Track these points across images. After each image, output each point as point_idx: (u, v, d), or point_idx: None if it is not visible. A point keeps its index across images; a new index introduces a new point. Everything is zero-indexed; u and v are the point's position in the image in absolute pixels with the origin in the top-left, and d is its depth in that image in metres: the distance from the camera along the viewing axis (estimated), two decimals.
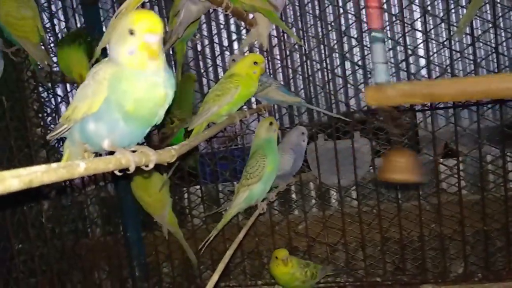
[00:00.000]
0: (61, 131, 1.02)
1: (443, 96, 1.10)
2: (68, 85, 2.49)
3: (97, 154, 1.06)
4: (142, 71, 0.88)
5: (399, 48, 2.42)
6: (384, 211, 2.15)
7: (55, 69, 2.30)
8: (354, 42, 2.56)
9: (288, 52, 2.42)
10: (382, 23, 1.20)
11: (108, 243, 2.39)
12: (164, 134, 2.00)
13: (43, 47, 2.12)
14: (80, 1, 2.35)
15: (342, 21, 2.62)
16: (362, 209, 2.16)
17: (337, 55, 2.67)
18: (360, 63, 2.32)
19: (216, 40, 2.74)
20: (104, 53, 1.38)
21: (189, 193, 2.34)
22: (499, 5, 2.20)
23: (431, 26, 2.33)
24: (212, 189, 2.40)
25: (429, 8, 2.20)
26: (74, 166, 0.74)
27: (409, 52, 2.15)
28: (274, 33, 2.34)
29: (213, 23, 2.61)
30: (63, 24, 2.46)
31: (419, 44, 2.27)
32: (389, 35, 2.63)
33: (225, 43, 2.69)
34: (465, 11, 2.03)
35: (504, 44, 2.48)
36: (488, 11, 2.33)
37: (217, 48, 2.63)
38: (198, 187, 2.36)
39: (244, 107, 2.41)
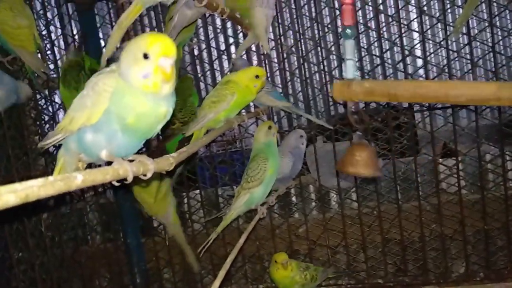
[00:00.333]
0: (55, 140, 1.01)
1: (402, 97, 1.14)
2: None
3: (90, 164, 1.05)
4: (156, 94, 0.88)
5: (396, 48, 2.42)
6: (384, 212, 2.15)
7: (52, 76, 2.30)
8: None
9: (285, 55, 2.41)
10: (354, 20, 1.23)
11: (108, 250, 2.38)
12: (164, 134, 1.99)
13: (39, 55, 2.11)
14: (75, 8, 2.34)
15: (339, 23, 2.62)
16: (362, 211, 2.16)
17: (334, 56, 2.67)
18: (357, 64, 2.31)
19: (213, 44, 2.74)
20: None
21: (188, 198, 2.33)
22: (495, 4, 2.21)
23: (428, 27, 2.32)
24: (211, 194, 2.40)
25: (425, 8, 2.20)
26: (71, 178, 0.73)
27: (406, 52, 2.15)
28: (271, 36, 2.34)
29: (210, 27, 2.61)
30: (59, 31, 2.47)
31: (416, 44, 2.26)
32: (385, 36, 2.63)
33: (222, 47, 2.69)
34: (461, 11, 2.03)
35: (501, 43, 2.49)
36: (484, 10, 2.33)
37: (214, 53, 2.63)
38: (197, 191, 2.35)
39: (243, 111, 2.41)
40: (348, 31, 1.22)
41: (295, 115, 2.41)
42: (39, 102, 2.39)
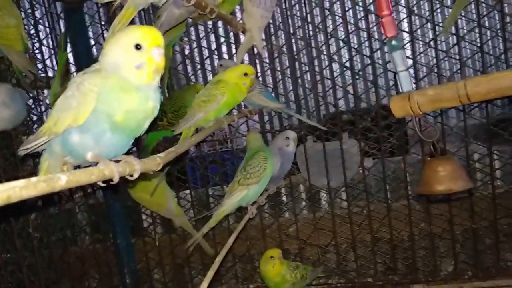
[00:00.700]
0: (38, 143, 0.98)
1: (475, 96, 1.04)
2: None
3: (76, 167, 1.03)
4: (148, 85, 0.90)
5: (386, 49, 2.42)
6: (374, 212, 2.16)
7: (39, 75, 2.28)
8: (341, 43, 2.56)
9: (276, 55, 2.42)
10: (396, 30, 1.18)
11: (98, 251, 2.37)
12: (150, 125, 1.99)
13: (27, 55, 2.09)
14: (64, 7, 2.32)
15: (329, 23, 2.63)
16: (352, 210, 2.17)
17: (325, 56, 2.67)
18: (348, 64, 2.32)
19: (204, 43, 2.73)
20: None
21: (179, 198, 2.32)
22: (483, 4, 2.22)
23: (417, 27, 2.34)
24: (202, 194, 2.39)
25: (414, 8, 2.21)
26: (55, 179, 0.72)
27: None
28: (262, 36, 2.33)
29: (201, 27, 2.60)
30: (47, 30, 2.44)
31: (406, 44, 2.27)
32: (376, 37, 2.64)
33: (213, 46, 2.68)
34: (450, 11, 2.04)
35: (489, 43, 2.51)
36: (473, 11, 2.35)
37: (205, 52, 2.62)
38: (188, 191, 2.34)
39: (234, 111, 2.41)
40: (394, 42, 1.18)
41: (285, 115, 2.41)
42: (27, 102, 2.36)
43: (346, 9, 2.24)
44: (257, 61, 2.43)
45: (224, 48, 2.79)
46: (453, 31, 2.05)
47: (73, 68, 2.31)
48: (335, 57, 2.44)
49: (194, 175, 2.52)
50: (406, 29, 2.19)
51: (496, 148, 2.10)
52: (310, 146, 2.21)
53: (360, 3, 2.29)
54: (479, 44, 2.05)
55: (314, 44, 2.58)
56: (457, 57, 2.10)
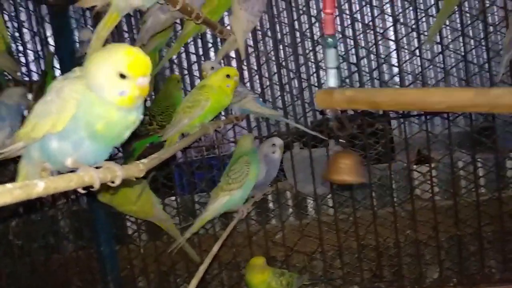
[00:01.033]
0: (14, 148, 0.96)
1: (383, 105, 1.14)
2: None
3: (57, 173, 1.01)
4: (130, 108, 0.88)
5: (372, 56, 2.45)
6: (360, 219, 2.16)
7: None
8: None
9: (263, 61, 2.42)
10: (334, 29, 1.24)
11: (81, 258, 2.32)
12: (138, 132, 1.96)
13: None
14: (48, 10, 2.29)
15: (316, 30, 2.65)
16: (338, 217, 2.17)
17: (311, 63, 2.69)
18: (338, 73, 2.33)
19: (192, 49, 2.72)
20: None
21: (164, 205, 2.29)
22: (467, 14, 2.27)
23: (402, 35, 2.37)
24: (188, 200, 2.37)
25: (400, 17, 2.24)
26: (32, 186, 0.70)
27: (382, 60, 2.18)
28: (251, 43, 2.34)
29: None
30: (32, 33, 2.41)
31: (391, 52, 2.30)
32: (362, 44, 2.67)
33: (201, 51, 2.67)
34: (434, 20, 2.07)
35: (473, 52, 2.56)
36: (457, 20, 2.39)
37: (193, 57, 2.61)
38: (173, 198, 2.32)
39: (221, 116, 2.40)
40: (329, 40, 1.22)
41: (273, 121, 2.41)
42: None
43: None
44: (244, 68, 2.43)
45: (212, 53, 2.78)
46: (438, 40, 2.07)
47: (57, 72, 2.28)
48: (322, 64, 2.45)
49: (181, 181, 2.50)
50: (392, 38, 2.22)
51: (480, 156, 2.13)
52: (296, 152, 2.21)
53: (347, 11, 2.31)
54: (463, 53, 2.08)
55: (301, 51, 2.60)
56: (442, 65, 2.12)
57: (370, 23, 2.18)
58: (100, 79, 0.86)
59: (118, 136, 0.94)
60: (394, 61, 2.26)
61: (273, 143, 1.97)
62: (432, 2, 2.45)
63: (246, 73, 2.47)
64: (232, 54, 2.31)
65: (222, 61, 2.18)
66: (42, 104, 0.91)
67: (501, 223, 2.03)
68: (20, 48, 2.37)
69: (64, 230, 2.40)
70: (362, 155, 2.17)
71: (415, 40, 2.17)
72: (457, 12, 2.13)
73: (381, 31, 2.34)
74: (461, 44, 2.11)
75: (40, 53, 2.39)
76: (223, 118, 2.43)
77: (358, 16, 2.22)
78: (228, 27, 1.98)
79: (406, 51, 2.41)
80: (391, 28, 2.21)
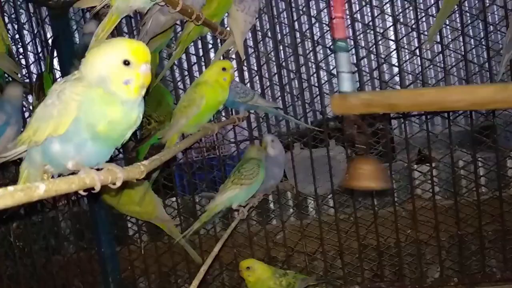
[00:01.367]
0: (16, 152, 0.96)
1: (402, 107, 1.12)
2: None
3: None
4: (135, 98, 0.90)
5: (372, 56, 2.45)
6: (361, 219, 2.16)
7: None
8: (328, 51, 2.58)
9: (263, 61, 2.42)
10: (346, 33, 1.22)
11: (82, 260, 2.32)
12: (141, 135, 1.96)
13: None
14: (48, 12, 2.29)
15: (316, 31, 2.65)
16: (339, 217, 2.16)
17: (312, 63, 2.68)
18: (334, 71, 2.33)
19: (192, 50, 2.72)
20: None
21: (165, 206, 2.29)
22: (467, 13, 2.26)
23: (403, 35, 2.37)
24: (189, 201, 2.37)
25: (400, 17, 2.24)
26: (33, 188, 0.70)
27: (382, 60, 2.18)
28: (251, 43, 2.34)
29: None
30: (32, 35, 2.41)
31: (391, 52, 2.30)
32: (362, 44, 2.66)
33: (201, 52, 2.67)
34: (434, 20, 2.07)
35: (473, 51, 2.55)
36: (457, 20, 2.39)
37: (193, 58, 2.61)
38: (174, 199, 2.32)
39: (223, 117, 2.40)
40: (340, 44, 1.21)
41: (273, 122, 2.41)
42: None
43: (333, 17, 2.25)
44: (245, 68, 2.43)
45: (211, 54, 2.78)
46: (438, 40, 2.07)
47: (58, 74, 2.28)
48: (322, 64, 2.45)
49: (181, 182, 2.50)
50: (392, 38, 2.22)
51: (480, 155, 2.12)
52: (297, 153, 2.21)
53: (347, 12, 2.31)
54: (463, 53, 2.08)
55: (301, 51, 2.59)
56: (442, 65, 2.12)
57: (370, 23, 2.18)
58: (103, 70, 0.87)
59: (120, 137, 0.94)
60: (394, 61, 2.26)
61: (271, 139, 1.99)
62: (432, 2, 2.44)
63: (246, 74, 2.47)
64: (232, 55, 2.31)
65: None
66: (43, 107, 0.91)
67: (502, 222, 2.03)
68: (21, 50, 2.37)
69: (65, 232, 2.40)
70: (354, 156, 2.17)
71: (415, 40, 2.17)
72: (457, 12, 2.13)
73: (381, 31, 2.33)
74: (461, 44, 2.11)
75: (41, 55, 2.39)
76: (223, 119, 2.44)
77: (358, 16, 2.22)
78: (227, 28, 1.98)
79: (406, 51, 2.40)
80: (391, 28, 2.21)
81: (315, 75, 2.34)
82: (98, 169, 0.90)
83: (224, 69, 1.64)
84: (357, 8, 2.39)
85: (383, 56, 2.24)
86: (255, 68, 2.36)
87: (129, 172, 1.00)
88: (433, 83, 2.45)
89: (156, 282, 2.35)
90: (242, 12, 1.83)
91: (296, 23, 2.39)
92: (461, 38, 2.08)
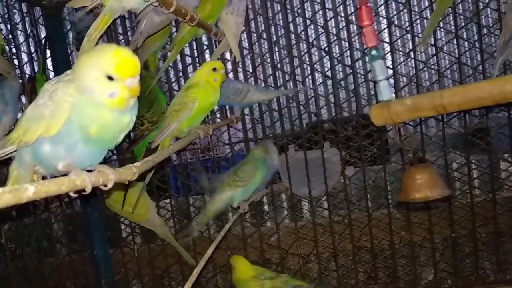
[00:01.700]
0: (4, 152, 0.94)
1: (451, 106, 1.05)
2: None
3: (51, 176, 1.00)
4: (122, 108, 0.87)
5: (366, 58, 2.45)
6: (355, 221, 2.16)
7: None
8: (323, 53, 2.58)
9: (258, 63, 2.41)
10: (377, 40, 1.20)
11: (74, 262, 2.30)
12: (134, 136, 1.95)
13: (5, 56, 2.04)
14: (42, 12, 2.27)
15: (311, 33, 2.65)
16: (333, 219, 2.16)
17: (307, 65, 2.68)
18: (329, 73, 2.34)
19: (187, 51, 2.71)
20: None
21: (158, 208, 2.28)
22: (461, 16, 2.27)
23: (397, 37, 2.37)
24: (182, 203, 2.36)
25: (394, 19, 2.24)
26: (22, 190, 0.70)
27: None
28: (246, 45, 2.33)
29: None
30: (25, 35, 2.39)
31: (386, 54, 2.30)
32: (357, 46, 2.67)
33: (195, 53, 2.66)
34: (427, 22, 2.08)
35: (467, 54, 2.57)
36: (451, 22, 2.40)
37: (187, 59, 2.60)
38: (168, 201, 2.31)
39: (217, 119, 2.39)
40: (374, 52, 1.19)
41: (268, 123, 2.41)
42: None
43: (328, 18, 2.26)
44: (240, 70, 2.43)
45: (207, 55, 2.77)
46: (432, 42, 2.08)
47: (51, 74, 2.26)
48: (317, 66, 2.45)
49: (176, 183, 2.48)
50: (386, 40, 2.22)
51: (474, 157, 2.13)
52: (291, 155, 2.21)
53: (342, 13, 2.31)
54: (457, 55, 2.09)
55: (296, 53, 2.59)
56: (436, 67, 2.13)
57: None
58: (89, 81, 0.85)
59: (112, 139, 0.93)
60: (389, 63, 2.26)
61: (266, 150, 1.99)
62: (427, 4, 2.46)
63: (241, 75, 2.46)
64: (227, 56, 2.31)
65: None
66: (34, 107, 0.90)
67: (495, 224, 2.03)
68: (14, 50, 2.35)
69: (58, 234, 2.38)
70: (357, 157, 2.18)
71: (410, 42, 2.17)
72: (451, 14, 2.13)
73: (376, 33, 2.34)
74: (455, 46, 2.12)
75: (34, 55, 2.38)
76: (218, 120, 2.44)
77: (353, 18, 2.22)
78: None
79: (401, 53, 2.41)
80: (386, 30, 2.21)
81: (310, 76, 2.34)
82: (89, 171, 0.90)
83: (214, 69, 1.63)
84: (352, 11, 2.40)
85: None
86: (250, 70, 2.36)
87: (121, 173, 0.99)
88: (427, 86, 2.46)
89: (149, 285, 2.33)
90: (232, 14, 1.83)
91: (291, 24, 2.39)
92: (455, 41, 2.08)
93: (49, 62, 2.25)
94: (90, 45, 1.33)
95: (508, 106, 1.98)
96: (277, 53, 2.73)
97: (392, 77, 2.14)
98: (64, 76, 0.91)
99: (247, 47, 2.28)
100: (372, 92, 2.39)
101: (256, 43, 2.48)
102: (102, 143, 0.92)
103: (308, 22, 2.31)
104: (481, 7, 2.13)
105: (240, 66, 2.37)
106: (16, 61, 2.35)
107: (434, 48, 2.10)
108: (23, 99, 2.29)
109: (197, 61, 2.57)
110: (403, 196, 1.17)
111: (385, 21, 2.24)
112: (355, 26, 2.42)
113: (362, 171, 2.11)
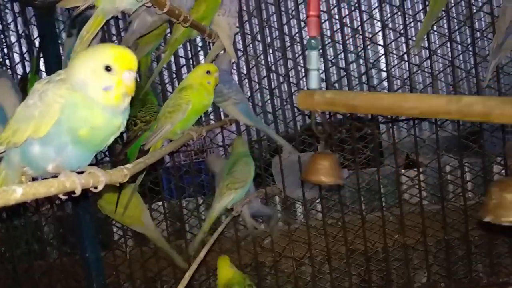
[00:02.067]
0: None
1: (362, 109, 1.15)
2: None
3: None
4: (116, 107, 0.86)
5: (361, 61, 2.45)
6: (348, 223, 2.16)
7: None
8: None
9: (252, 64, 2.41)
10: (318, 31, 1.26)
11: (65, 265, 2.27)
12: (128, 137, 1.93)
13: None
14: (35, 13, 2.25)
15: (305, 35, 2.65)
16: (327, 222, 2.16)
17: (301, 67, 2.68)
18: (323, 76, 2.34)
19: (181, 52, 2.70)
20: None
21: (151, 210, 2.26)
22: (454, 20, 2.29)
23: (391, 40, 2.38)
24: (175, 205, 2.34)
25: (388, 22, 2.25)
26: (9, 192, 0.68)
27: (370, 65, 2.19)
28: (240, 47, 2.33)
29: None
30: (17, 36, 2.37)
31: (380, 57, 2.31)
32: (351, 49, 2.67)
33: (189, 55, 2.65)
34: (421, 25, 2.09)
35: (460, 57, 2.58)
36: (444, 26, 2.41)
37: (182, 61, 2.59)
38: (160, 203, 2.29)
39: (212, 120, 2.37)
40: (312, 41, 1.24)
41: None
42: None
43: (322, 21, 2.26)
44: (234, 71, 2.42)
45: (201, 56, 2.76)
46: (426, 46, 2.09)
47: (44, 75, 2.24)
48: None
49: (169, 185, 2.47)
50: (381, 42, 2.23)
51: (467, 160, 2.14)
52: (285, 157, 2.20)
53: (336, 16, 2.32)
54: (450, 58, 2.10)
55: (290, 55, 2.59)
56: (429, 70, 2.14)
57: (359, 28, 2.18)
58: (84, 74, 0.84)
59: (102, 142, 0.92)
60: (383, 65, 2.27)
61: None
62: (420, 7, 2.47)
63: (235, 77, 2.46)
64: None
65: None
66: (24, 108, 0.89)
67: (487, 227, 2.04)
68: (5, 50, 2.33)
69: (48, 236, 2.35)
70: (351, 160, 2.18)
71: (403, 45, 2.18)
72: (444, 18, 2.15)
73: (370, 36, 2.34)
74: (449, 50, 2.13)
75: (26, 55, 2.35)
76: (212, 122, 2.42)
77: (347, 20, 2.22)
78: None
79: (395, 56, 2.42)
80: (380, 33, 2.22)
81: (304, 78, 2.34)
82: (80, 172, 0.88)
83: (208, 72, 1.63)
84: (346, 13, 2.40)
85: (371, 60, 2.25)
86: (244, 72, 2.35)
87: (112, 175, 0.98)
88: (421, 88, 2.47)
89: (141, 287, 2.31)
90: (224, 16, 1.82)
91: (285, 26, 2.39)
92: (448, 44, 2.10)
93: (41, 63, 2.23)
94: (83, 47, 1.31)
95: None
96: (271, 55, 2.73)
97: (386, 80, 2.14)
98: (56, 76, 0.89)
99: (242, 49, 2.28)
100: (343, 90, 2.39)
101: (251, 45, 2.47)
102: (92, 145, 0.91)
103: (302, 24, 2.31)
104: (475, 11, 2.14)
105: (234, 68, 2.36)
106: (7, 62, 2.32)
107: (427, 51, 2.11)
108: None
109: (191, 62, 2.56)
110: (303, 176, 1.29)
111: (379, 24, 2.25)
112: (349, 29, 2.43)
113: (356, 174, 2.10)
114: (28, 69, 2.29)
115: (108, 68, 0.84)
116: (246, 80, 2.41)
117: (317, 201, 2.24)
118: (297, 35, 2.35)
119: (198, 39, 2.85)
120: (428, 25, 1.97)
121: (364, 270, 2.18)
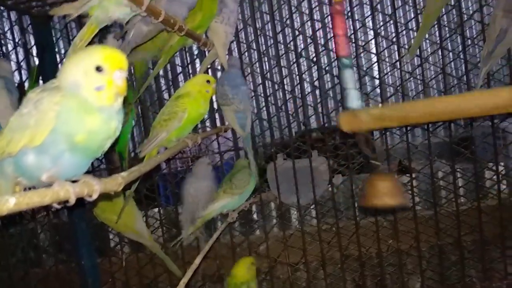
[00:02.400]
0: None
1: (414, 118, 1.10)
2: None
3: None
4: (109, 106, 0.88)
5: (354, 69, 2.48)
6: (343, 229, 2.17)
7: None
8: (311, 63, 2.61)
9: (248, 72, 2.43)
10: (349, 50, 1.23)
11: (61, 272, 2.27)
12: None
13: None
14: (31, 20, 2.27)
15: (300, 42, 2.68)
16: (321, 228, 2.17)
17: (295, 76, 2.71)
18: (316, 83, 2.37)
19: (177, 60, 2.73)
20: None
21: (147, 217, 2.27)
22: (446, 27, 2.32)
23: (383, 48, 2.41)
24: (171, 212, 2.35)
25: (380, 30, 2.28)
26: (2, 201, 0.69)
27: (363, 72, 2.21)
28: (235, 54, 2.35)
29: None
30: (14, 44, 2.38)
31: (373, 64, 2.34)
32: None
33: (185, 62, 2.68)
34: (414, 33, 2.12)
35: (452, 64, 2.62)
36: (436, 33, 2.45)
37: (178, 69, 2.62)
38: (156, 210, 2.30)
39: (208, 128, 2.39)
40: (345, 61, 1.22)
41: (257, 132, 2.42)
42: None
43: (316, 29, 2.29)
44: None
45: (197, 64, 2.79)
46: (418, 53, 2.12)
47: (41, 83, 2.26)
48: (305, 75, 2.48)
49: (165, 192, 2.48)
50: (373, 50, 2.26)
51: (459, 166, 2.16)
52: (280, 163, 2.22)
53: (330, 24, 2.35)
54: (442, 66, 2.13)
55: (284, 63, 2.62)
56: (421, 77, 2.17)
57: (352, 36, 2.21)
58: (76, 76, 0.86)
59: (99, 147, 0.92)
60: (376, 73, 2.30)
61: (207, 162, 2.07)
62: (412, 16, 2.50)
63: None
64: (218, 66, 2.33)
65: (207, 73, 2.19)
66: (18, 116, 0.88)
67: (480, 232, 2.06)
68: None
69: (44, 243, 2.35)
70: (345, 166, 2.20)
71: (396, 53, 2.21)
72: (436, 26, 2.18)
73: (363, 44, 2.38)
74: (440, 57, 2.16)
75: (22, 64, 2.37)
76: (208, 129, 2.44)
77: None
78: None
79: (387, 63, 2.45)
80: (372, 41, 2.25)
81: (298, 86, 2.36)
82: (74, 181, 0.89)
83: (208, 81, 1.66)
84: None
85: (364, 68, 2.28)
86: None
87: (107, 184, 0.99)
88: (413, 95, 2.50)
89: None
90: (222, 23, 1.85)
91: (279, 35, 2.42)
92: (440, 52, 2.13)
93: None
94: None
95: (492, 116, 2.01)
96: (266, 63, 2.76)
97: (379, 87, 2.17)
98: (50, 84, 0.90)
99: (237, 57, 2.30)
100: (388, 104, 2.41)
101: (246, 53, 2.50)
102: (89, 152, 0.91)
103: (296, 32, 2.34)
104: (465, 19, 2.18)
105: None
106: None
107: (419, 59, 2.14)
108: None
109: (188, 70, 2.59)
110: (363, 201, 1.23)
111: (372, 32, 2.28)
112: None
113: (350, 180, 2.12)
114: (24, 77, 2.30)
115: (99, 69, 0.86)
116: None
117: (311, 207, 2.26)
118: (291, 43, 2.38)
119: (194, 47, 2.88)
120: (422, 36, 2.00)
121: (358, 275, 2.20)
